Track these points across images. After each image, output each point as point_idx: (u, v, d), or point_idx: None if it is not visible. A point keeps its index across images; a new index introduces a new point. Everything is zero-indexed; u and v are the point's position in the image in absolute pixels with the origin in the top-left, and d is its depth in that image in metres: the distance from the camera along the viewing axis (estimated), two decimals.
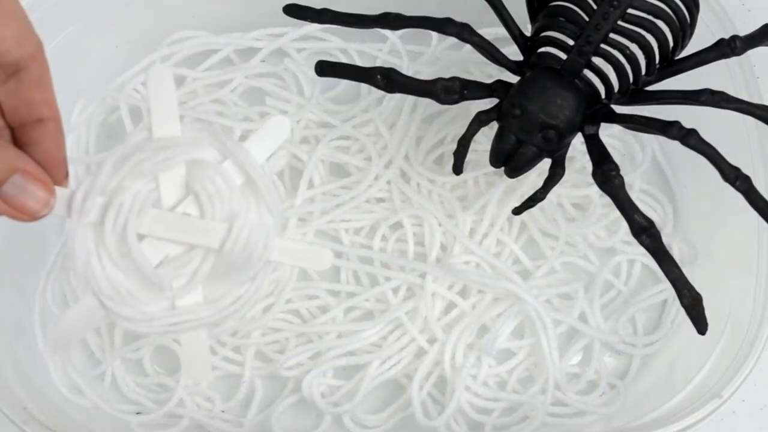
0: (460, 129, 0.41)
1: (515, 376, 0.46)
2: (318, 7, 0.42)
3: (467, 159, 0.42)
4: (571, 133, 0.40)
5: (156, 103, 0.33)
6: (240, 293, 0.34)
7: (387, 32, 0.51)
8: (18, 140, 0.32)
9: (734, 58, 0.41)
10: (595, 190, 0.47)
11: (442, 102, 0.40)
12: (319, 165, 0.48)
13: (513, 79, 0.41)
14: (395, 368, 0.45)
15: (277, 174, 0.48)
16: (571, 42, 0.39)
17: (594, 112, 0.40)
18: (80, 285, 0.33)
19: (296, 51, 0.52)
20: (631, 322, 0.48)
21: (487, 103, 0.41)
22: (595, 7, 0.38)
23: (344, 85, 0.51)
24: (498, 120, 0.40)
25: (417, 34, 0.48)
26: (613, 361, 0.47)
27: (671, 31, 0.39)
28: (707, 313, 0.37)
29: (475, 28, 0.40)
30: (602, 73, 0.40)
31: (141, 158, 0.32)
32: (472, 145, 0.42)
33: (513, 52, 0.42)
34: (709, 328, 0.37)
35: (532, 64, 0.40)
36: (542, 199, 0.41)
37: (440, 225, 0.47)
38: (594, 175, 0.38)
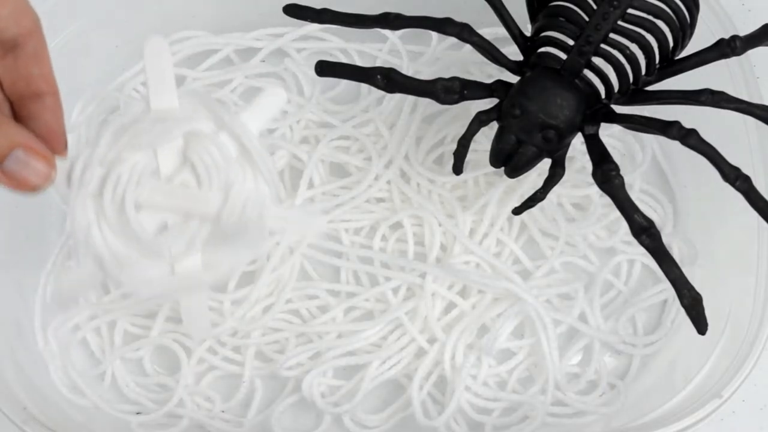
0: (460, 129, 0.41)
1: (515, 376, 0.46)
2: (318, 7, 0.42)
3: (467, 159, 0.42)
4: (571, 133, 0.40)
5: (153, 74, 0.33)
6: (237, 259, 0.35)
7: (387, 32, 0.51)
8: (18, 114, 0.32)
9: (734, 58, 0.41)
10: (595, 190, 0.46)
11: (442, 102, 0.40)
12: (319, 165, 0.48)
13: (513, 79, 0.41)
14: (395, 368, 0.45)
15: (277, 174, 0.48)
16: (571, 42, 0.39)
17: (594, 112, 0.40)
18: (81, 250, 0.34)
19: (296, 51, 0.52)
20: (631, 322, 0.48)
21: (487, 103, 0.41)
22: (595, 7, 0.38)
23: (344, 85, 0.51)
24: (498, 120, 0.40)
25: (417, 34, 0.48)
26: (613, 361, 0.47)
27: (671, 31, 0.39)
28: (707, 313, 0.37)
29: (475, 28, 0.40)
30: (602, 73, 0.40)
31: (139, 130, 0.33)
32: (472, 145, 0.42)
33: (513, 52, 0.42)
34: (709, 328, 0.37)
35: (532, 64, 0.40)
36: (542, 199, 0.41)
37: (440, 225, 0.47)
38: (594, 175, 0.38)
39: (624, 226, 0.40)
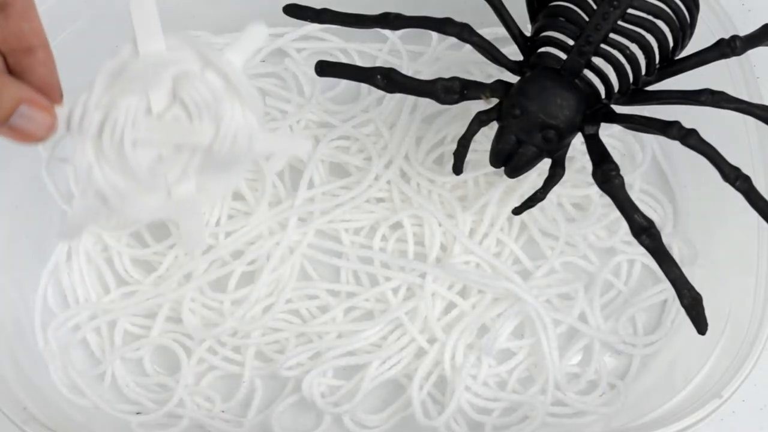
0: (460, 129, 0.41)
1: (515, 376, 0.46)
2: (318, 7, 0.42)
3: (467, 159, 0.42)
4: (571, 133, 0.40)
5: (139, 18, 0.36)
6: (229, 182, 0.38)
7: (387, 32, 0.51)
8: (13, 70, 0.34)
9: (734, 58, 0.41)
10: (595, 190, 0.47)
11: (442, 102, 0.40)
12: (319, 165, 0.48)
13: (513, 79, 0.41)
14: (395, 368, 0.45)
15: (277, 174, 0.48)
16: (571, 42, 0.39)
17: (594, 112, 0.40)
18: (85, 189, 0.37)
19: (296, 51, 0.52)
20: (631, 322, 0.48)
21: (487, 103, 0.41)
22: (595, 7, 0.38)
23: (344, 85, 0.51)
24: (498, 120, 0.40)
25: (417, 34, 0.48)
26: (613, 361, 0.47)
27: (671, 31, 0.39)
28: (707, 313, 0.37)
29: (475, 28, 0.40)
30: (602, 73, 0.40)
31: (131, 76, 0.35)
32: (472, 145, 0.42)
33: (513, 52, 0.42)
34: (709, 328, 0.37)
35: (532, 64, 0.40)
36: (542, 199, 0.41)
37: (440, 225, 0.47)
38: (594, 175, 0.38)
39: (624, 226, 0.40)
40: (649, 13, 0.38)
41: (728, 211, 0.45)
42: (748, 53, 0.40)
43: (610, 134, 0.50)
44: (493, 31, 0.46)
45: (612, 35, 0.39)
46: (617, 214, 0.39)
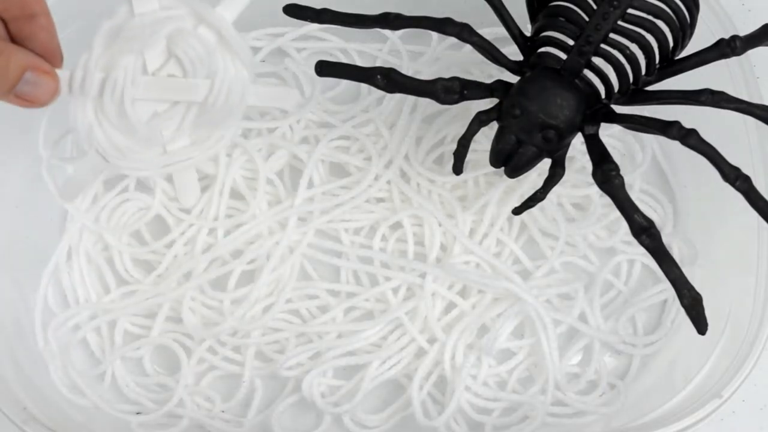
0: (460, 129, 0.41)
1: (515, 376, 0.46)
2: (318, 7, 0.42)
3: (467, 159, 0.42)
4: (571, 133, 0.40)
5: None
6: (222, 134, 0.40)
7: (387, 32, 0.51)
8: (15, 37, 0.35)
9: (734, 58, 0.41)
10: (595, 190, 0.47)
11: (442, 102, 0.40)
12: (318, 165, 0.48)
13: (513, 79, 0.41)
14: (395, 368, 0.45)
15: (277, 174, 0.48)
16: (571, 42, 0.39)
17: (594, 112, 0.40)
18: (84, 146, 0.39)
19: (296, 51, 0.52)
20: (631, 322, 0.48)
21: (487, 103, 0.41)
22: (595, 7, 0.38)
23: (344, 85, 0.51)
24: (498, 120, 0.40)
25: (417, 34, 0.48)
26: (613, 361, 0.47)
27: (671, 31, 0.39)
28: (707, 313, 0.37)
29: (475, 28, 0.40)
30: (602, 73, 0.40)
31: (128, 36, 0.37)
32: (472, 145, 0.42)
33: (513, 52, 0.42)
34: (709, 328, 0.37)
35: (532, 64, 0.40)
36: (542, 199, 0.41)
37: (440, 225, 0.47)
38: (594, 175, 0.38)
39: (624, 226, 0.40)
40: (649, 13, 0.38)
41: (728, 211, 0.45)
42: (748, 53, 0.40)
43: (610, 134, 0.50)
44: (493, 31, 0.46)
45: (612, 35, 0.39)
46: (617, 214, 0.39)
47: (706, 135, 0.37)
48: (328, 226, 0.48)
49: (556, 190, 0.43)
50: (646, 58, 0.39)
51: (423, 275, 0.46)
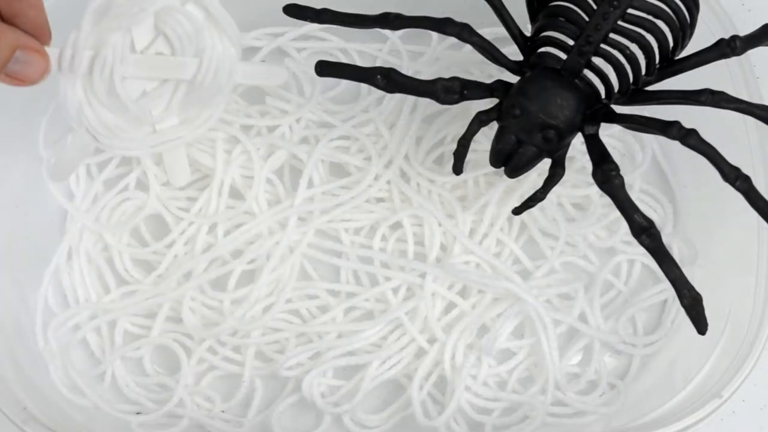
0: (460, 129, 0.41)
1: (515, 376, 0.46)
2: (318, 7, 0.42)
3: (467, 159, 0.42)
4: (571, 133, 0.40)
5: None
6: (210, 112, 0.40)
7: (387, 32, 0.51)
8: (4, 14, 0.34)
9: (734, 58, 0.41)
10: (595, 190, 0.47)
11: (442, 102, 0.40)
12: (318, 165, 0.48)
13: (513, 79, 0.41)
14: (395, 368, 0.45)
15: (276, 173, 0.48)
16: (571, 42, 0.39)
17: (594, 112, 0.40)
18: (74, 124, 0.39)
19: (296, 51, 0.51)
20: (631, 322, 0.48)
21: (487, 103, 0.41)
22: (595, 7, 0.38)
23: (344, 85, 0.51)
24: (498, 120, 0.40)
25: (417, 34, 0.48)
26: (613, 361, 0.47)
27: (671, 31, 0.39)
28: (707, 313, 0.37)
29: (475, 28, 0.40)
30: (602, 73, 0.40)
31: (116, 14, 0.36)
32: (472, 145, 0.42)
33: (513, 52, 0.42)
34: (709, 328, 0.37)
35: (532, 64, 0.40)
36: (542, 199, 0.41)
37: (440, 225, 0.47)
38: (594, 175, 0.38)
39: (624, 226, 0.40)
40: (649, 13, 0.38)
41: (728, 211, 0.45)
42: (748, 53, 0.40)
43: (610, 134, 0.50)
44: (493, 31, 0.46)
45: (612, 35, 0.39)
46: (617, 214, 0.39)
47: (706, 135, 0.37)
48: (328, 226, 0.48)
49: (556, 190, 0.43)
50: (646, 58, 0.39)
51: (423, 275, 0.46)
